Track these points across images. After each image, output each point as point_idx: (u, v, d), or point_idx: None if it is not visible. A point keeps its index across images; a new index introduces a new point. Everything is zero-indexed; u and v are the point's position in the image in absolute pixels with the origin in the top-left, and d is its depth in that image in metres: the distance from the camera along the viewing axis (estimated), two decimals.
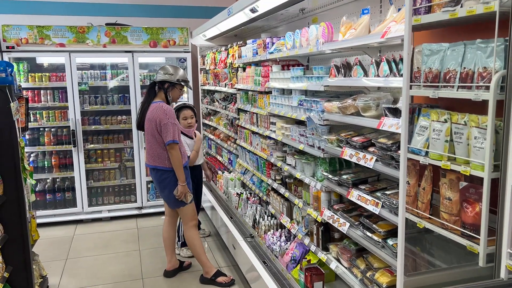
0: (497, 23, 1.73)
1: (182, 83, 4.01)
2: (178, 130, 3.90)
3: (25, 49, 5.41)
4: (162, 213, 6.04)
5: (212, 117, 6.44)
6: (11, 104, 3.26)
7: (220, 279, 4.01)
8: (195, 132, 4.63)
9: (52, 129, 5.80)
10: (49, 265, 4.42)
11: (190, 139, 4.53)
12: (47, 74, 5.67)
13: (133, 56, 5.77)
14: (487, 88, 1.80)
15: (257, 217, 4.15)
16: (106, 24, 5.77)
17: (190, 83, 5.77)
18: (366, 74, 2.46)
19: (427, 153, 2.14)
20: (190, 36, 6.02)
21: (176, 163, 3.81)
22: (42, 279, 3.94)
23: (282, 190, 3.61)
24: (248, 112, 4.51)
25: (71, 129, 5.65)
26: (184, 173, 3.89)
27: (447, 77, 2.03)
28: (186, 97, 6.18)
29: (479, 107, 1.94)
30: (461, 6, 1.88)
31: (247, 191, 4.92)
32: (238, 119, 4.91)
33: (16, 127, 3.34)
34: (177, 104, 4.52)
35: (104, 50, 5.68)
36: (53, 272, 4.31)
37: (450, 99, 2.15)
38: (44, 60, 5.87)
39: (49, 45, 5.48)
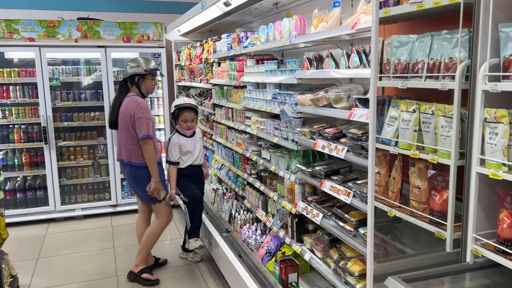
0: (462, 14, 1.77)
1: (152, 73, 3.90)
2: (153, 124, 3.85)
3: None
4: (137, 211, 5.96)
5: None
6: None
7: (145, 275, 3.97)
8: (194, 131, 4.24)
9: (22, 126, 5.64)
10: (19, 265, 4.30)
11: (185, 138, 4.12)
12: (16, 69, 5.51)
13: (106, 51, 5.67)
14: (453, 77, 1.84)
15: (233, 211, 4.15)
16: (78, 19, 5.65)
17: (164, 73, 5.72)
18: (337, 66, 2.49)
19: (396, 143, 2.18)
20: (165, 31, 5.96)
21: (150, 158, 3.74)
22: (12, 279, 3.84)
23: (257, 184, 3.62)
24: (223, 107, 4.50)
25: (42, 126, 5.52)
26: (160, 168, 3.85)
27: (416, 68, 2.07)
28: (161, 93, 6.12)
29: (446, 97, 1.99)
30: None
31: (223, 187, 4.91)
32: (214, 114, 4.89)
33: None
34: (179, 103, 4.08)
35: (76, 45, 5.56)
36: (24, 272, 4.20)
37: (419, 90, 2.19)
38: (13, 55, 5.70)
39: (18, 39, 5.33)
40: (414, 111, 2.10)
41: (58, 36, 5.47)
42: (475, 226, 1.79)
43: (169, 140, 4.13)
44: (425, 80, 2.03)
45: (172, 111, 4.17)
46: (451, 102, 1.88)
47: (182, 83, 6.58)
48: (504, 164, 1.64)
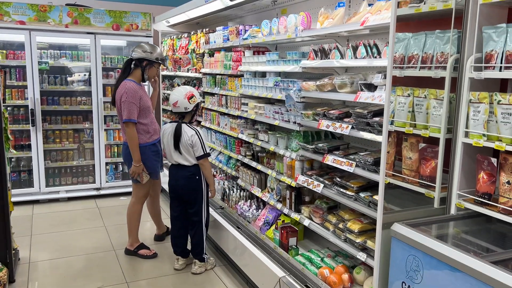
0: (453, 17, 2.25)
1: (160, 62, 4.17)
2: (144, 109, 4.02)
3: None
4: (120, 194, 6.18)
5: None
6: None
7: (142, 251, 4.25)
8: None
9: (8, 108, 5.68)
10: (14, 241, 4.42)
11: None
12: (4, 51, 5.55)
13: (95, 38, 5.82)
14: (444, 68, 2.32)
15: (227, 190, 4.50)
16: (66, 5, 5.76)
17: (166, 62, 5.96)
18: (342, 57, 2.92)
19: (392, 122, 2.64)
20: (153, 22, 6.18)
21: (131, 142, 3.93)
22: (14, 251, 3.99)
23: (253, 163, 3.99)
24: (216, 95, 4.83)
25: (30, 108, 5.59)
26: (150, 151, 4.07)
27: (412, 60, 2.54)
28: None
29: (433, 84, 2.47)
30: (424, 3, 2.39)
31: (212, 169, 5.23)
32: (204, 102, 5.20)
33: (0, 97, 3.41)
34: (197, 92, 3.96)
35: (66, 30, 5.68)
36: (20, 247, 4.32)
37: (411, 79, 2.66)
38: (1, 37, 5.70)
39: (9, 22, 5.38)
40: (408, 95, 2.56)
41: (49, 21, 5.57)
42: (458, 185, 2.28)
43: (198, 134, 3.80)
44: (419, 70, 2.50)
45: (200, 99, 3.98)
46: (440, 88, 2.36)
47: (165, 73, 6.82)
48: (484, 135, 2.13)
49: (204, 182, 3.89)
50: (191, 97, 3.85)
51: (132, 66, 4.11)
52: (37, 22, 5.51)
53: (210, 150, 5.23)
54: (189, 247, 4.05)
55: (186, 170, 3.82)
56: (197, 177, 3.84)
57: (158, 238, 4.67)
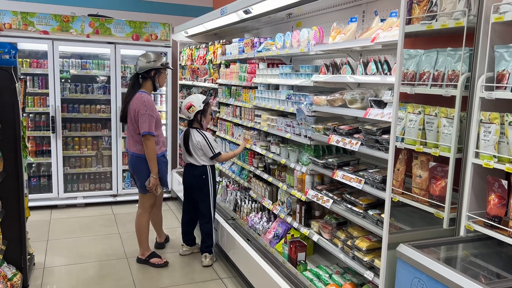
0: (465, 35, 2.21)
1: (167, 67, 4.23)
2: (158, 121, 4.11)
3: (8, 34, 5.45)
4: (136, 201, 6.21)
5: None
6: (17, 84, 3.43)
7: (154, 260, 4.28)
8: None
9: (30, 115, 5.85)
10: (31, 245, 4.52)
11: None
12: (28, 60, 5.73)
13: (115, 48, 5.94)
14: (455, 86, 2.28)
15: (239, 201, 4.50)
16: (89, 15, 5.91)
17: (170, 71, 6.05)
18: (353, 72, 2.90)
19: (403, 139, 2.60)
20: (172, 32, 6.28)
21: (150, 154, 3.98)
22: (29, 256, 4.08)
23: (265, 175, 3.99)
24: (231, 106, 4.85)
25: (50, 116, 5.74)
26: (161, 162, 4.15)
27: (423, 77, 2.50)
28: (165, 90, 6.42)
29: (445, 102, 2.42)
30: (436, 21, 2.35)
31: (225, 179, 5.25)
32: (219, 112, 5.24)
33: (20, 106, 3.51)
34: (203, 98, 4.27)
35: (87, 40, 5.82)
36: (36, 252, 4.43)
37: (422, 96, 2.62)
38: (26, 46, 5.89)
39: (33, 31, 5.55)
40: (419, 113, 2.52)
41: (71, 31, 5.72)
42: (468, 207, 2.23)
43: (206, 138, 4.16)
44: (430, 88, 2.46)
45: (200, 108, 4.20)
46: (451, 106, 2.31)
47: (183, 82, 6.90)
48: (494, 156, 2.08)
49: (211, 180, 4.24)
50: (189, 107, 4.24)
51: (140, 79, 4.14)
52: (60, 32, 5.67)
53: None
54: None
55: (196, 170, 4.22)
56: (203, 177, 4.22)
57: (159, 246, 4.70)
